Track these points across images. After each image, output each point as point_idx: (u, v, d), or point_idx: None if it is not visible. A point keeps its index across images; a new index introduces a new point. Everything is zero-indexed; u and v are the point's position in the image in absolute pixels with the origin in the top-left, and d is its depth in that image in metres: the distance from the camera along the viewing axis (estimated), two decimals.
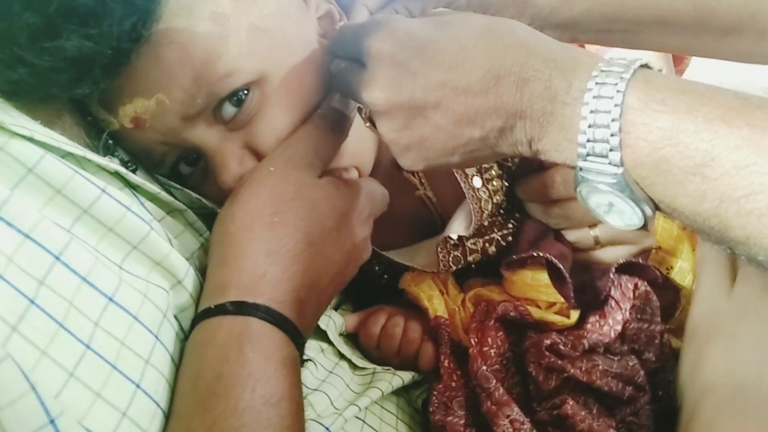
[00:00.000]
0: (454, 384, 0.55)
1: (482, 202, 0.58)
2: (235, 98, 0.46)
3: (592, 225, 0.57)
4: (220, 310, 0.39)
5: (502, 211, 0.61)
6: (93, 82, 0.41)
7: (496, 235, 0.61)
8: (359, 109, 0.51)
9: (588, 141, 0.35)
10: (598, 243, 0.58)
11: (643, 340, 0.56)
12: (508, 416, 0.50)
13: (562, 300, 0.57)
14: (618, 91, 0.34)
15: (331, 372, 0.54)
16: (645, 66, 0.36)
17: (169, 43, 0.43)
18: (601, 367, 0.53)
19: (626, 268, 0.58)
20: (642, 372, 0.54)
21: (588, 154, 0.36)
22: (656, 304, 0.56)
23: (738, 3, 0.52)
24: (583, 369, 0.53)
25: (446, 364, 0.56)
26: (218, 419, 0.36)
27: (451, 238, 0.59)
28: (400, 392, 0.59)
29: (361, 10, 0.50)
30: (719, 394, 0.46)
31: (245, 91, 0.47)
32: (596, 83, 0.35)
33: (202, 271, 0.43)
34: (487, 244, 0.61)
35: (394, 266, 0.63)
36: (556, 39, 0.54)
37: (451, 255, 0.60)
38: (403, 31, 0.40)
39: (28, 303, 0.32)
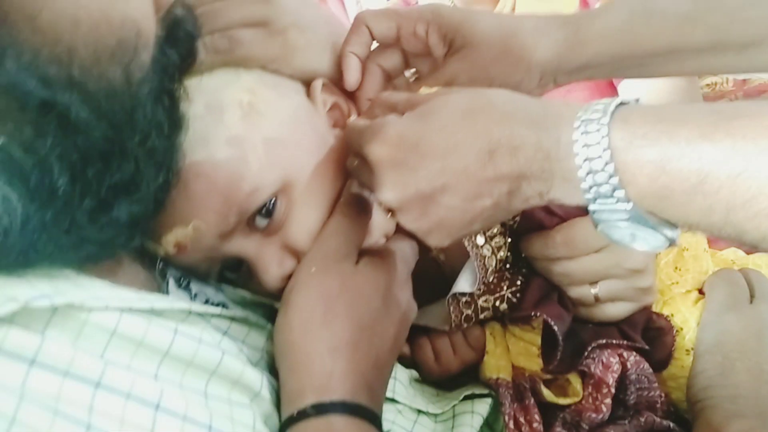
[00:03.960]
0: None
1: (486, 259, 0.59)
2: (265, 209, 0.50)
3: (593, 283, 0.58)
4: (303, 415, 0.42)
5: (508, 267, 0.62)
6: (143, 231, 0.46)
7: (506, 293, 0.61)
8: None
9: (591, 187, 0.37)
10: (598, 300, 0.58)
11: (644, 405, 0.56)
12: None
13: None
14: (603, 137, 0.36)
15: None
16: (621, 104, 0.38)
17: (195, 176, 0.47)
18: None
19: (608, 344, 0.58)
20: (657, 419, 0.54)
21: (596, 198, 0.38)
22: (650, 371, 0.57)
23: (755, 17, 0.51)
24: None
25: (511, 425, 0.56)
26: None
27: (462, 295, 0.60)
28: None
29: (363, 102, 0.55)
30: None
31: (273, 201, 0.50)
32: (581, 133, 0.37)
33: (272, 368, 0.47)
34: (498, 302, 0.61)
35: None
36: (572, 82, 0.55)
37: (464, 313, 0.61)
38: (395, 133, 0.43)
39: None
